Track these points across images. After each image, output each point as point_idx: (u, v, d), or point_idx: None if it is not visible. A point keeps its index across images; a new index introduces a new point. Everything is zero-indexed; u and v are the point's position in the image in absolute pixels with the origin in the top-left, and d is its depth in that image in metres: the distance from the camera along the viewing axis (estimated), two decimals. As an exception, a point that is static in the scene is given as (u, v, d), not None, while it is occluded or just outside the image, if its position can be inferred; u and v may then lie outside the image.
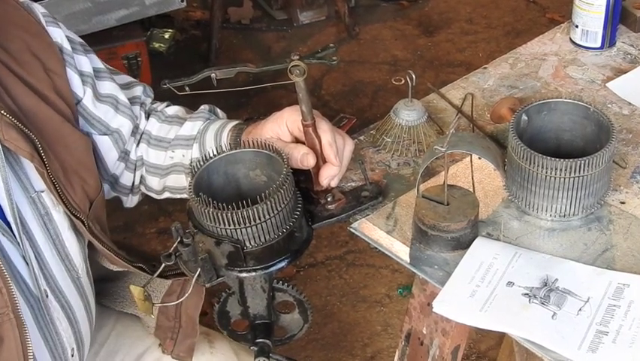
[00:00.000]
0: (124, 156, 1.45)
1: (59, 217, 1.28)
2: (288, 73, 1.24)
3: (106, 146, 1.41)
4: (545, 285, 1.16)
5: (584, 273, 1.19)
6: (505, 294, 1.16)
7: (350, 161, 1.36)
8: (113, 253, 1.36)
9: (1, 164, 1.18)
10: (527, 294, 1.15)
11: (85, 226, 1.30)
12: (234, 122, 1.43)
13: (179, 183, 1.47)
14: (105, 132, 1.40)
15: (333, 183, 1.32)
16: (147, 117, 1.48)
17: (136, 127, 1.45)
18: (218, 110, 1.51)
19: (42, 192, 1.25)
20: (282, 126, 1.32)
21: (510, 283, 1.17)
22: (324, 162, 1.30)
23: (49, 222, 1.27)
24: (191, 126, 1.45)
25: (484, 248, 1.23)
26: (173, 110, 1.49)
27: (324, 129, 1.29)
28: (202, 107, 1.49)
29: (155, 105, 1.50)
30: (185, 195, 1.43)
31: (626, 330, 1.10)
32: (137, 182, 1.50)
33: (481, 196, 1.31)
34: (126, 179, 1.48)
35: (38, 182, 1.25)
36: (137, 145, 1.47)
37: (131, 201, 1.54)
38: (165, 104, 1.51)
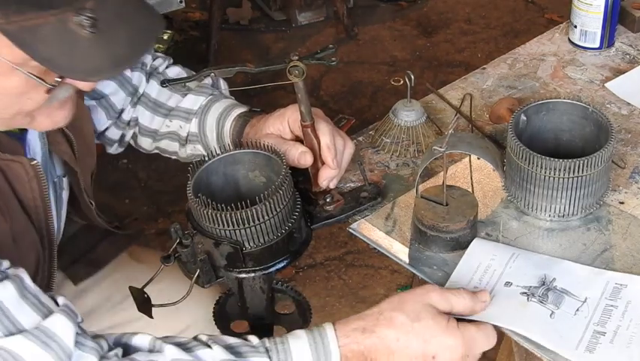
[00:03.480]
0: (114, 115, 1.45)
1: (65, 195, 1.35)
2: (287, 73, 1.24)
3: (96, 110, 1.43)
4: (543, 284, 1.17)
5: (581, 273, 1.19)
6: (503, 294, 1.16)
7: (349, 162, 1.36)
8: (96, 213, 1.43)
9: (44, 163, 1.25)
10: (525, 293, 1.15)
11: (86, 198, 1.37)
12: (238, 110, 1.42)
13: (171, 148, 1.48)
14: (96, 97, 1.42)
15: (332, 185, 1.32)
16: (148, 79, 1.47)
17: (134, 90, 1.45)
18: (221, 82, 1.50)
19: (63, 176, 1.33)
20: (283, 123, 1.32)
21: (508, 283, 1.17)
22: (323, 163, 1.30)
23: (60, 202, 1.33)
24: (194, 100, 1.44)
25: (481, 249, 1.23)
26: (175, 72, 1.48)
27: (324, 131, 1.28)
28: (205, 81, 1.48)
29: (156, 64, 1.49)
30: (174, 157, 1.50)
31: (624, 330, 1.10)
32: (127, 138, 1.51)
33: (480, 197, 1.31)
34: (113, 133, 1.49)
35: (59, 167, 1.32)
36: (134, 107, 1.47)
37: (115, 149, 1.53)
38: (166, 63, 1.50)
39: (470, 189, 1.29)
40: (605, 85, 1.57)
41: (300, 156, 1.27)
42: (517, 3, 3.91)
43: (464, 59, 3.56)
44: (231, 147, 1.32)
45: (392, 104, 1.48)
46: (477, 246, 1.23)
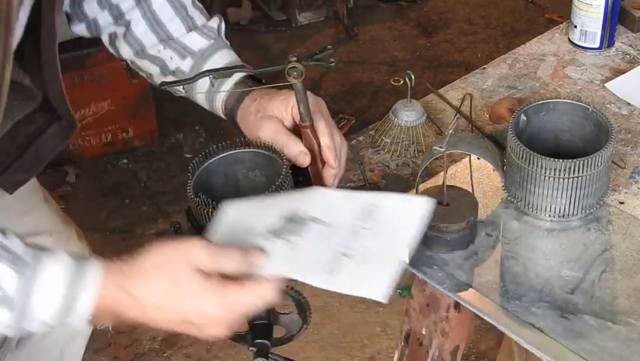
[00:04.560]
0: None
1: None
2: (285, 75, 1.24)
3: None
4: (287, 219, 1.11)
5: (332, 198, 1.14)
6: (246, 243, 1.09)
7: (348, 161, 1.35)
8: None
9: None
10: (269, 233, 1.09)
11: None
12: (239, 75, 1.34)
13: (149, 70, 1.41)
14: None
15: (335, 183, 1.31)
16: None
17: None
18: (223, 28, 1.41)
19: None
20: (287, 109, 1.28)
21: (250, 230, 1.11)
22: (324, 163, 1.30)
23: None
24: (197, 40, 1.37)
25: (231, 208, 1.16)
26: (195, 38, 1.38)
27: (323, 132, 1.27)
28: (212, 21, 1.40)
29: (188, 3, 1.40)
30: (143, 74, 1.45)
31: (371, 251, 1.06)
32: (103, 30, 1.42)
33: (480, 197, 1.31)
34: (91, 10, 1.40)
35: None
36: (134, 8, 1.39)
37: (81, 30, 1.43)
38: (207, 22, 1.41)
39: (470, 189, 1.29)
40: (605, 85, 1.57)
41: (299, 155, 1.25)
42: (517, 3, 3.91)
43: (464, 59, 3.56)
44: (222, 111, 1.31)
45: (392, 104, 1.48)
46: (228, 207, 1.16)
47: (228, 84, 1.33)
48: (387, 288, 1.01)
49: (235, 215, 1.14)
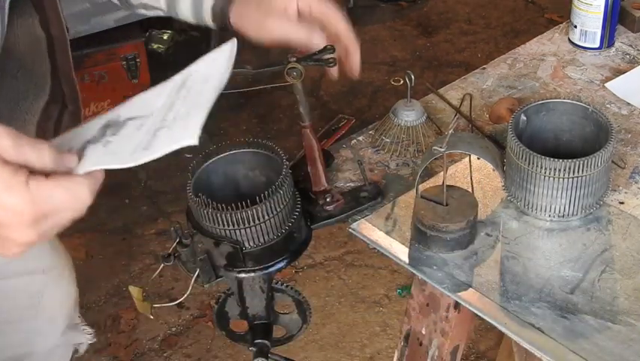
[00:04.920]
0: None
1: None
2: (285, 75, 1.24)
3: None
4: (102, 127, 1.00)
5: (152, 93, 1.03)
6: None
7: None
8: None
9: None
10: (87, 142, 0.98)
11: None
12: None
13: None
14: None
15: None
16: None
17: None
18: None
19: None
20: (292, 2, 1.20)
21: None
22: (323, 164, 1.30)
23: None
24: None
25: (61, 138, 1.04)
26: None
27: (338, 18, 1.23)
28: None
29: None
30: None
31: (183, 110, 0.96)
32: None
33: (480, 197, 1.31)
34: None
35: None
36: None
37: None
38: None
39: (470, 189, 1.30)
40: (605, 85, 1.57)
41: (322, 38, 1.16)
42: (517, 3, 3.91)
43: (464, 59, 3.56)
44: (211, 17, 1.23)
45: (392, 104, 1.48)
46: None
47: None
48: (196, 130, 0.92)
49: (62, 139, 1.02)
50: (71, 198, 0.88)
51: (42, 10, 1.13)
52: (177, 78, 1.02)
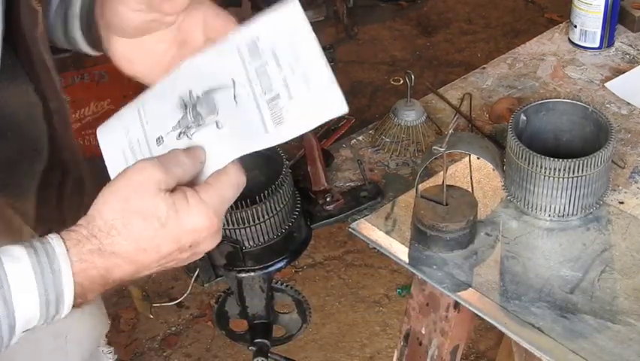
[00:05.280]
0: None
1: None
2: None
3: None
4: (186, 107, 0.97)
5: (206, 61, 0.98)
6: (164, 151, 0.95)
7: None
8: None
9: None
10: (180, 133, 0.96)
11: None
12: None
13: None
14: None
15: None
16: None
17: None
18: None
19: None
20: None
21: (159, 140, 0.98)
22: (323, 163, 1.30)
23: None
24: None
25: (111, 138, 1.04)
26: None
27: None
28: None
29: None
30: None
31: (292, 77, 0.92)
32: None
33: (480, 196, 1.31)
34: None
35: None
36: None
37: None
38: None
39: (470, 189, 1.29)
40: (605, 85, 1.57)
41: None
42: (517, 3, 3.91)
43: (464, 58, 3.56)
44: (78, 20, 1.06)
45: (392, 103, 1.48)
46: (107, 137, 1.05)
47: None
48: (339, 96, 0.92)
49: (118, 140, 1.02)
50: (234, 189, 0.93)
51: (37, 79, 1.09)
52: (234, 42, 0.96)
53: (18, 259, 0.84)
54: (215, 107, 0.94)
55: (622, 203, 1.32)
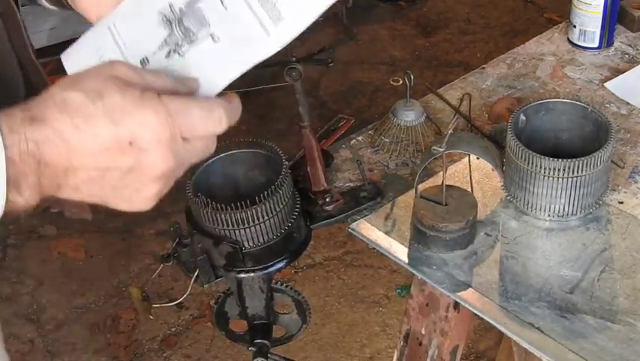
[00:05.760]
0: None
1: None
2: (284, 75, 1.24)
3: None
4: (171, 23, 0.87)
5: None
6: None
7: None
8: None
9: None
10: (170, 51, 0.87)
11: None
12: None
13: None
14: None
15: None
16: None
17: None
18: None
19: None
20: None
21: (144, 62, 0.88)
22: (322, 163, 1.30)
23: None
24: None
25: (78, 57, 0.94)
26: None
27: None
28: None
29: None
30: None
31: None
32: None
33: (480, 196, 1.31)
34: None
35: None
36: None
37: None
38: None
39: (469, 189, 1.29)
40: (605, 85, 1.57)
41: None
42: (517, 3, 3.91)
43: (463, 58, 3.56)
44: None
45: (391, 104, 1.48)
46: (75, 62, 0.94)
47: None
48: None
49: (90, 65, 0.85)
50: (208, 118, 0.79)
51: None
52: None
53: None
54: (205, 18, 0.84)
55: (622, 203, 1.32)
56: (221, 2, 0.84)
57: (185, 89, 0.81)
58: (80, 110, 0.74)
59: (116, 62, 0.79)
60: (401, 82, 1.46)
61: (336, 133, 1.47)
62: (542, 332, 1.14)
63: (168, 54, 0.86)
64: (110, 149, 0.75)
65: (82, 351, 2.48)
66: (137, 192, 0.80)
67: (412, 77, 1.41)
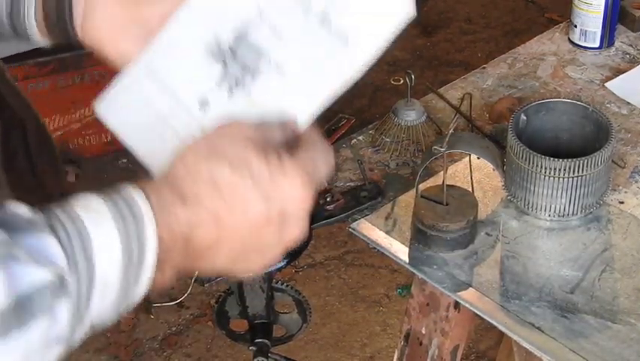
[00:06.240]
0: None
1: None
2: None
3: None
4: (223, 58, 0.79)
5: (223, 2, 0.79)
6: (212, 121, 0.77)
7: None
8: None
9: None
10: (231, 88, 0.79)
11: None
12: None
13: None
14: None
15: None
16: None
17: None
18: None
19: None
20: None
21: (204, 103, 0.80)
22: None
23: None
24: None
25: (124, 112, 0.84)
26: None
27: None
28: None
29: None
30: None
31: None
32: None
33: (480, 196, 1.31)
34: None
35: None
36: None
37: None
38: None
39: (470, 189, 1.29)
40: (605, 85, 1.57)
41: None
42: (517, 2, 3.91)
43: (464, 58, 3.56)
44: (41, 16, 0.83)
45: (392, 103, 1.48)
46: (117, 115, 0.85)
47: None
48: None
49: (138, 114, 0.82)
50: (327, 159, 0.77)
51: None
52: None
53: (99, 213, 0.67)
54: (259, 48, 0.76)
55: (622, 203, 1.32)
56: (273, 30, 0.76)
57: (291, 133, 0.77)
58: (232, 190, 0.71)
59: (237, 122, 0.75)
60: (402, 81, 1.46)
61: (336, 133, 1.46)
62: (543, 331, 1.14)
63: (230, 92, 0.78)
64: (259, 223, 0.73)
65: (82, 350, 2.48)
66: (261, 257, 0.77)
67: (412, 76, 1.41)
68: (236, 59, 0.78)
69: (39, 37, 0.86)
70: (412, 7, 0.73)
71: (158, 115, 0.81)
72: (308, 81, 0.76)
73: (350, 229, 1.31)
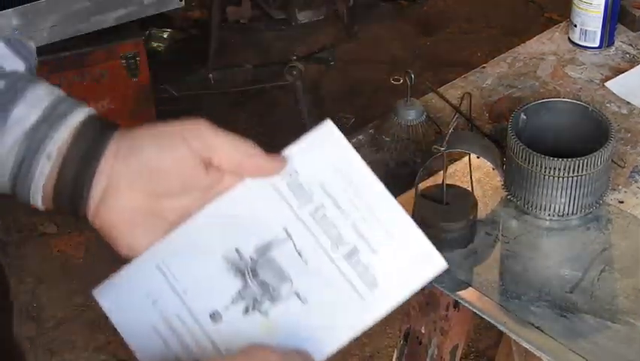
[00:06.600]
0: None
1: None
2: (285, 74, 1.24)
3: None
4: (242, 272, 0.76)
5: (238, 209, 0.77)
6: (222, 335, 0.75)
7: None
8: None
9: None
10: (247, 308, 0.76)
11: None
12: (78, 118, 0.76)
13: None
14: None
15: None
16: None
17: None
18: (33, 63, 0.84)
19: None
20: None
21: (215, 316, 0.76)
22: None
23: None
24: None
25: (128, 304, 0.79)
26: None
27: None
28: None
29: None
30: None
31: (364, 223, 0.76)
32: None
33: (480, 196, 1.31)
34: None
35: None
36: None
37: None
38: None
39: (470, 188, 1.29)
40: (605, 84, 1.57)
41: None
42: (517, 2, 3.91)
43: (464, 58, 3.56)
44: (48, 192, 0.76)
45: (392, 103, 1.48)
46: (119, 306, 0.80)
47: (63, 133, 0.75)
48: (434, 252, 0.79)
49: (142, 311, 0.78)
50: None
51: None
52: (265, 178, 0.78)
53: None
54: (283, 271, 0.75)
55: (622, 202, 1.32)
56: (299, 254, 0.75)
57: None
58: None
59: (264, 349, 0.72)
60: (402, 81, 1.46)
61: (336, 132, 1.47)
62: (542, 331, 1.14)
63: (246, 311, 0.75)
64: None
65: (82, 349, 2.48)
66: None
67: (412, 76, 1.41)
68: (256, 276, 0.76)
69: (40, 206, 0.79)
70: (443, 261, 0.77)
71: (166, 316, 0.77)
72: (327, 317, 0.76)
73: (350, 229, 1.31)
